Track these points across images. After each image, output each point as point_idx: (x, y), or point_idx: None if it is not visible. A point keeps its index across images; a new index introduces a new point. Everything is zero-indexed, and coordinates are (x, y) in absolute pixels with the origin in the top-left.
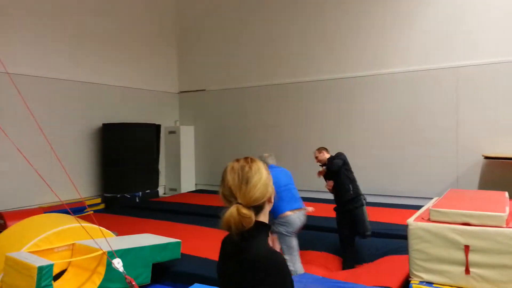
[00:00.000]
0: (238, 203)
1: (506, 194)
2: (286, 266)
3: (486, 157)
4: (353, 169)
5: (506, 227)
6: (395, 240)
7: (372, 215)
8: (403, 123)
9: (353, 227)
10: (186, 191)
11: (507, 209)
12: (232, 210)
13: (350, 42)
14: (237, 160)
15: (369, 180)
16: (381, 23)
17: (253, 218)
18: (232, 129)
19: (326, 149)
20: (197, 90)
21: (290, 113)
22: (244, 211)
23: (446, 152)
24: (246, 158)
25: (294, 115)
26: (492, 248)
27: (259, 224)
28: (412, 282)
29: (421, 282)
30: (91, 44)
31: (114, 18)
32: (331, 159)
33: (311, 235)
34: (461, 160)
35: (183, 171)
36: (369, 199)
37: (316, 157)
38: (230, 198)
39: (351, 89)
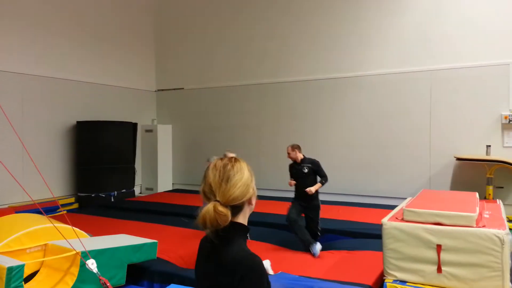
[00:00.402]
0: (216, 200)
1: (477, 194)
2: (263, 269)
3: (458, 159)
4: (330, 169)
5: (476, 227)
6: (371, 240)
7: (349, 214)
8: (381, 125)
9: (308, 221)
10: (163, 191)
11: (477, 209)
12: (209, 207)
13: (330, 44)
14: (221, 159)
15: (346, 180)
16: (360, 26)
17: (229, 216)
18: (210, 129)
19: (299, 148)
20: (175, 89)
21: (271, 113)
22: (221, 208)
23: (420, 153)
24: (231, 158)
25: (275, 115)
26: (463, 247)
27: (236, 225)
28: (386, 280)
29: (395, 281)
30: (65, 40)
31: (92, 14)
32: (311, 162)
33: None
34: (434, 161)
35: (160, 170)
36: (346, 199)
37: (289, 154)
38: (210, 195)
39: (331, 90)
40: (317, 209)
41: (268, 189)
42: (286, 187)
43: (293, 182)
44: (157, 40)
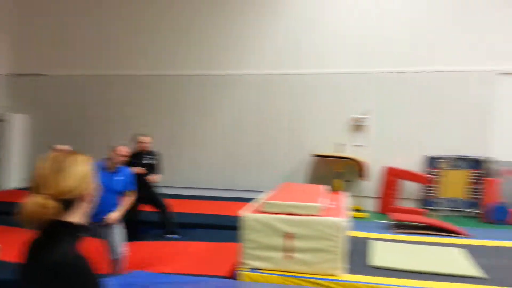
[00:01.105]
0: (43, 193)
1: (325, 187)
2: (87, 272)
3: (316, 156)
4: (205, 164)
5: (321, 216)
6: (234, 231)
7: (219, 208)
8: (251, 122)
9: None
10: (11, 188)
11: (323, 200)
12: (32, 199)
13: (213, 41)
14: (57, 151)
15: (218, 175)
16: (239, 27)
17: (56, 211)
18: (77, 121)
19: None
20: (35, 74)
21: (141, 106)
22: (46, 202)
23: (285, 150)
24: (69, 151)
25: (147, 108)
26: (309, 234)
27: (65, 223)
28: (239, 269)
29: (250, 270)
30: None
31: None
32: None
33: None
34: (296, 158)
35: (10, 165)
36: (217, 193)
37: (144, 143)
38: (37, 188)
39: (212, 86)
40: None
41: None
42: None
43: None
44: (12, 19)
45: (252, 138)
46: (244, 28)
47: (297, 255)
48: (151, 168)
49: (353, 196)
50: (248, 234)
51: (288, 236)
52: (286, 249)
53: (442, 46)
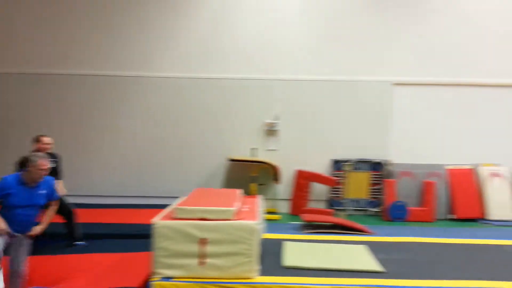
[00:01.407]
0: None
1: (240, 191)
2: None
3: (231, 160)
4: (116, 170)
5: (234, 220)
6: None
7: (132, 217)
8: (168, 126)
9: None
10: None
11: (236, 204)
12: None
13: (120, 42)
14: None
15: (132, 181)
16: (148, 28)
17: None
18: None
19: None
20: None
21: (55, 108)
22: None
23: (199, 154)
24: None
25: (60, 110)
26: (223, 238)
27: None
28: (152, 280)
29: (163, 279)
30: None
31: None
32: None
33: None
34: (211, 162)
35: None
36: (131, 200)
37: (46, 144)
38: None
39: (121, 88)
40: None
41: None
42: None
43: None
44: None
45: (166, 142)
46: (154, 29)
47: (211, 260)
48: (53, 172)
49: (268, 199)
50: (160, 242)
51: (202, 241)
52: (200, 255)
53: (346, 57)
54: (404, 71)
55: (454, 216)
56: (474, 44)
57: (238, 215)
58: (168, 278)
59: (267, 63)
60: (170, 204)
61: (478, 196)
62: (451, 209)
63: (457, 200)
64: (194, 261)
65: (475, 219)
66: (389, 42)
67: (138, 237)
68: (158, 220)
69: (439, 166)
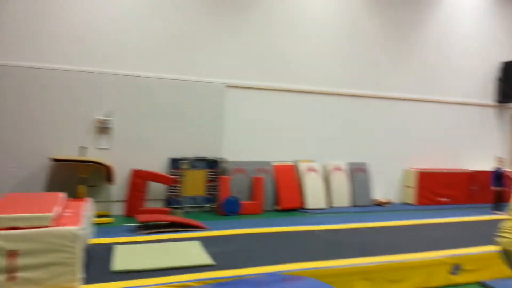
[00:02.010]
0: None
1: (62, 194)
2: None
3: (55, 160)
4: None
5: (52, 227)
6: None
7: None
8: None
9: None
10: None
11: (56, 209)
12: None
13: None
14: None
15: None
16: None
17: None
18: None
19: None
20: None
21: None
22: None
23: (15, 155)
24: None
25: None
26: (38, 248)
27: None
28: None
29: None
30: None
31: None
32: None
33: None
34: (30, 163)
35: None
36: None
37: None
38: None
39: None
40: None
41: None
42: None
43: None
44: None
45: None
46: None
47: (23, 274)
48: None
49: (99, 201)
50: None
51: (11, 254)
52: (8, 270)
53: (184, 57)
54: (236, 74)
55: (279, 207)
56: (295, 53)
57: (58, 221)
58: None
59: (99, 55)
60: None
61: (298, 189)
62: (276, 201)
63: (281, 193)
64: (1, 277)
65: (296, 209)
66: (224, 45)
67: None
68: None
69: (267, 163)
